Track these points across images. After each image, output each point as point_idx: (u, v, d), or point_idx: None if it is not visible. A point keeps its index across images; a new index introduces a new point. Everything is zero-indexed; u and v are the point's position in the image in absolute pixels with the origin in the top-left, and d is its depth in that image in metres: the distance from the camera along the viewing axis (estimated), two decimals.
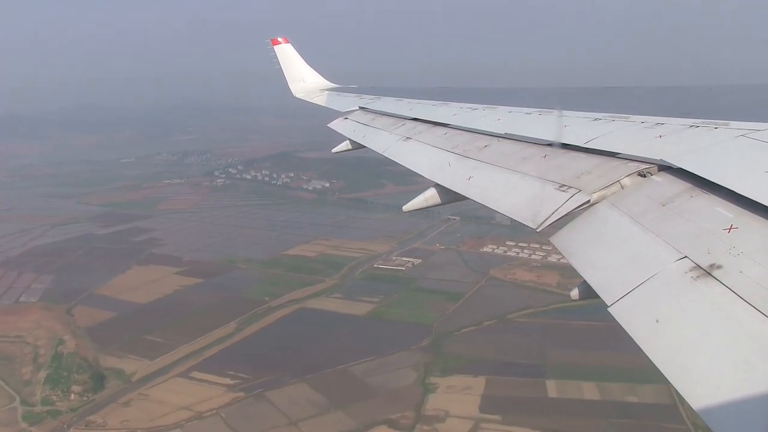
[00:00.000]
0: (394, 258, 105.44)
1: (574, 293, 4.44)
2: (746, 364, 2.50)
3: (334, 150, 13.45)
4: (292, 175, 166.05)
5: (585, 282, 4.05)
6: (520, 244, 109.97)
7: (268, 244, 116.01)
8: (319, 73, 21.06)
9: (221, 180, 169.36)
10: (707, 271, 3.13)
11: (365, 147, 11.58)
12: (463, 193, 6.56)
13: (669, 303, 3.16)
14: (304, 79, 20.65)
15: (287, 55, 20.90)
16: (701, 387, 2.57)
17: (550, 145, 6.24)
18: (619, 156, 5.15)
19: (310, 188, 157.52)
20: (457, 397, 62.02)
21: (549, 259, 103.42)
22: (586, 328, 78.02)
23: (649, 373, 64.39)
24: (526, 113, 8.22)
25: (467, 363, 68.89)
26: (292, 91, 20.50)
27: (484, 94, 12.03)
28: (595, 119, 6.53)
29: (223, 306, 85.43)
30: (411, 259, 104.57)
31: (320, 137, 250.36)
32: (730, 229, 3.35)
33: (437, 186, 7.31)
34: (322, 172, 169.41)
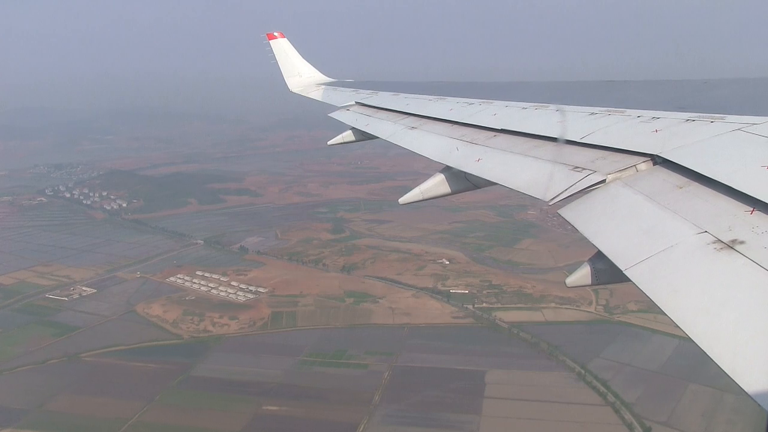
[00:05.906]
0: (73, 288, 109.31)
1: (573, 280, 4.43)
2: None
3: (330, 142, 13.34)
4: (104, 193, 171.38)
5: (592, 262, 4.23)
6: (206, 275, 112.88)
7: None
8: (315, 67, 21.41)
9: (42, 198, 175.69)
10: (729, 245, 3.18)
11: (365, 140, 12.10)
12: (473, 172, 6.80)
13: (691, 269, 3.23)
14: (300, 74, 20.71)
15: (283, 49, 20.88)
16: (726, 346, 2.64)
17: (555, 140, 6.34)
18: (613, 150, 5.27)
19: (108, 208, 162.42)
20: None
21: (212, 292, 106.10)
22: (139, 370, 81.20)
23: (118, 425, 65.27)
24: (522, 108, 8.31)
25: None
26: (289, 86, 20.55)
27: (480, 89, 12.42)
28: (591, 113, 6.62)
29: None
30: (88, 289, 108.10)
31: (218, 147, 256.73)
32: (753, 211, 3.40)
33: (446, 170, 7.55)
34: (134, 190, 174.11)
